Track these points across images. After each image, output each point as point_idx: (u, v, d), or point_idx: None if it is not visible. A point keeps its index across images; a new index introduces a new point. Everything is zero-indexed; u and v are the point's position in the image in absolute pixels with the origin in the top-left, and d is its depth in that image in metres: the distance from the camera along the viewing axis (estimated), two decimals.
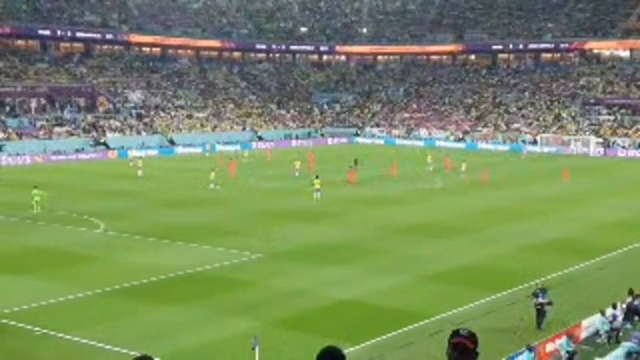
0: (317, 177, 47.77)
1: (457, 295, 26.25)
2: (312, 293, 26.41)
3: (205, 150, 79.91)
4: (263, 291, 26.65)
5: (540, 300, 23.16)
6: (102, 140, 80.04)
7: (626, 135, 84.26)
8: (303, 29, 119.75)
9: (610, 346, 21.49)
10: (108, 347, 21.10)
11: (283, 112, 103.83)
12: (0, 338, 21.96)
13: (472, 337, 4.78)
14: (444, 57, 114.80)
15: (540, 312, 23.15)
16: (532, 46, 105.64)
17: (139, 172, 59.16)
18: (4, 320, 23.35)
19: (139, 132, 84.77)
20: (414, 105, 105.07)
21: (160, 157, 77.35)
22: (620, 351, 19.86)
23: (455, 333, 4.82)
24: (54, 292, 26.30)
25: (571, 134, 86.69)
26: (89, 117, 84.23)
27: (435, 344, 21.30)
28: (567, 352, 20.51)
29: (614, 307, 22.92)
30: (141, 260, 31.20)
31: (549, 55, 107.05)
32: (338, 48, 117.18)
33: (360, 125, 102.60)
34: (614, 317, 22.53)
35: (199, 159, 74.89)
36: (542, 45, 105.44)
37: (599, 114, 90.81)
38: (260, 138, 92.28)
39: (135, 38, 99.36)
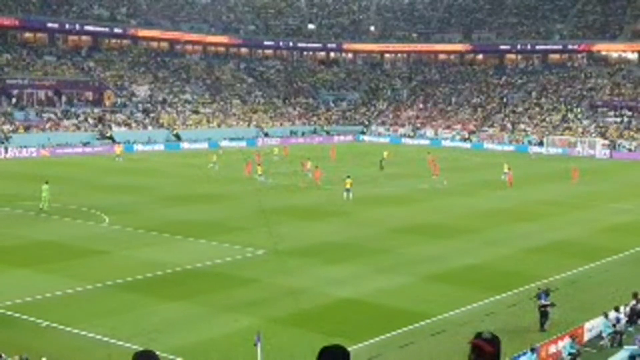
0: (348, 176, 47.01)
1: (460, 296, 26.23)
2: (315, 291, 26.42)
3: (219, 148, 79.82)
4: (266, 288, 26.67)
5: (543, 302, 23.14)
6: (108, 134, 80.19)
7: (633, 137, 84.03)
8: (310, 26, 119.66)
9: (613, 349, 21.46)
10: (112, 340, 21.16)
11: (289, 109, 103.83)
12: (5, 330, 22.05)
13: (492, 340, 4.72)
14: (452, 56, 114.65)
15: (544, 314, 23.14)
16: (540, 47, 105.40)
17: (211, 164, 59.90)
18: (9, 313, 23.44)
19: (145, 127, 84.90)
20: (421, 104, 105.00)
21: (165, 152, 77.49)
22: (623, 354, 19.84)
23: (478, 335, 4.79)
24: (59, 285, 26.38)
25: (577, 135, 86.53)
26: (96, 111, 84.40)
27: (437, 344, 21.33)
28: (570, 354, 20.50)
29: (618, 310, 22.88)
30: (145, 255, 31.26)
31: (556, 56, 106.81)
32: (345, 46, 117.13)
33: (366, 123, 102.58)
34: (618, 320, 22.49)
35: (207, 154, 74.92)
36: (550, 46, 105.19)
37: (606, 116, 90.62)
38: (266, 135, 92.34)
39: (143, 33, 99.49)
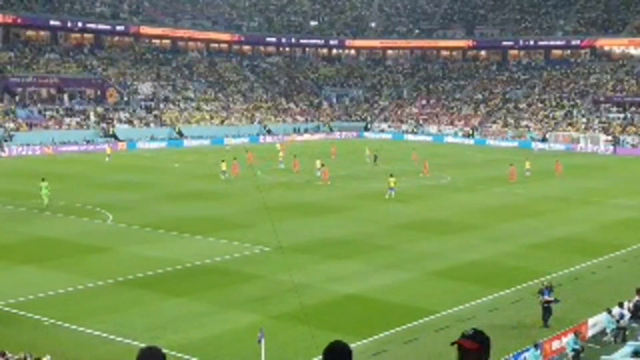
0: (391, 175, 46.96)
1: (463, 292, 26.25)
2: (318, 287, 26.44)
3: (226, 144, 79.81)
4: (269, 285, 26.70)
5: (546, 297, 23.13)
6: (111, 132, 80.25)
7: (636, 133, 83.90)
8: (313, 23, 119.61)
9: (617, 345, 21.45)
10: (115, 337, 21.20)
11: (292, 105, 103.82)
12: (8, 328, 22.10)
13: (475, 337, 4.61)
14: (454, 52, 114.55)
15: (547, 310, 23.12)
16: (542, 43, 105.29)
17: (281, 165, 60.20)
18: (13, 310, 23.49)
19: (148, 124, 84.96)
20: (423, 101, 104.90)
21: (168, 149, 77.55)
22: (626, 350, 19.83)
23: (462, 333, 4.73)
24: (62, 283, 26.43)
25: (581, 131, 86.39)
26: (99, 109, 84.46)
27: (440, 340, 21.33)
28: (574, 349, 20.50)
29: (621, 305, 22.88)
30: (149, 252, 31.31)
31: (559, 52, 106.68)
32: (348, 42, 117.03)
33: (369, 119, 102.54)
34: (621, 315, 22.49)
35: (210, 151, 74.92)
36: (553, 42, 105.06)
37: (609, 111, 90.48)
38: (268, 132, 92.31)
39: (146, 30, 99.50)
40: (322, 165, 54.34)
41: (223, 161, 53.73)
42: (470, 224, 38.60)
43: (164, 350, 4.80)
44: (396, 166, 62.10)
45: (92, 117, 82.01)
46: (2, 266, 28.88)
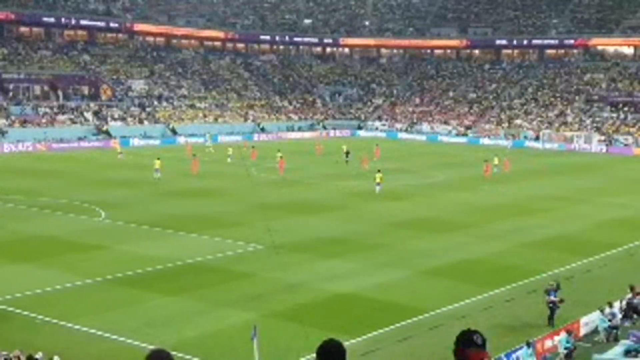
0: (379, 170, 47.62)
1: (457, 290, 26.29)
2: (312, 286, 26.45)
3: (206, 140, 79.83)
4: (263, 283, 26.70)
5: (552, 297, 23.07)
6: (104, 129, 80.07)
7: (629, 132, 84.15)
8: (307, 21, 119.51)
9: (609, 344, 21.53)
10: (108, 335, 21.16)
11: (286, 104, 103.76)
12: (1, 325, 22.04)
13: (485, 343, 4.61)
14: (448, 51, 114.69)
15: (552, 310, 23.04)
16: (536, 42, 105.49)
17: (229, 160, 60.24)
18: (5, 307, 23.43)
19: (141, 122, 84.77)
20: (417, 99, 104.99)
21: (162, 147, 77.37)
22: (618, 349, 19.92)
23: (468, 341, 4.59)
24: (56, 280, 26.36)
25: (574, 130, 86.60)
26: (92, 106, 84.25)
27: (434, 338, 21.38)
28: (566, 348, 20.56)
29: (613, 305, 22.93)
30: (142, 250, 31.26)
31: (553, 51, 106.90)
32: (342, 40, 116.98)
33: (363, 118, 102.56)
34: (613, 315, 22.56)
35: (201, 148, 74.81)
36: (546, 41, 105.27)
37: (602, 111, 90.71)
38: (262, 129, 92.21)
39: (140, 27, 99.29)
40: (281, 157, 55.26)
41: (158, 159, 51.97)
42: (464, 222, 38.65)
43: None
44: (395, 165, 62.16)
45: (88, 115, 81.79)
46: None
